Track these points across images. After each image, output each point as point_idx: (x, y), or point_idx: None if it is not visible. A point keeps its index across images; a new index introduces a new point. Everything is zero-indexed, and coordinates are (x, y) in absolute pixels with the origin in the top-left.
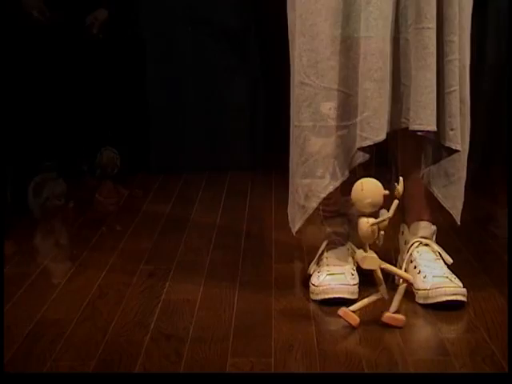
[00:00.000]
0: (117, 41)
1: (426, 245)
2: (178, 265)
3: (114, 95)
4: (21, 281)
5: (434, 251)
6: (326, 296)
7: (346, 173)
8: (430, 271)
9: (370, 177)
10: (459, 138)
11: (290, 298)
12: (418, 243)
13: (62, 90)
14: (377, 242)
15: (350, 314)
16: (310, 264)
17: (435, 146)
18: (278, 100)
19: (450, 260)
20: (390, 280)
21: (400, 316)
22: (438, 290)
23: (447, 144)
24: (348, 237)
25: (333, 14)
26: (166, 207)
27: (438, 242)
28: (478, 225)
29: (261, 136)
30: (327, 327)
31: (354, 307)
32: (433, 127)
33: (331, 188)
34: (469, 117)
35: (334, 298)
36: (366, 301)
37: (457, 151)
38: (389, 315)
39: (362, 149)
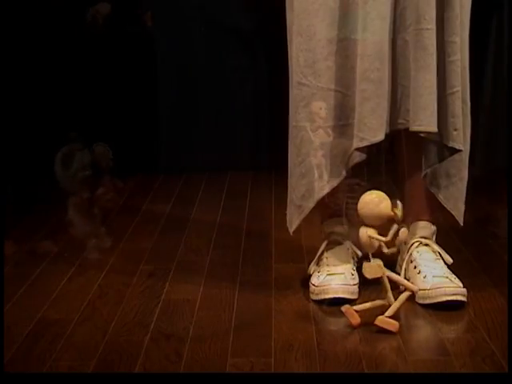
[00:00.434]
0: (125, 37)
1: (426, 245)
2: (178, 265)
3: (121, 93)
4: (21, 281)
5: (434, 251)
6: (326, 296)
7: (344, 173)
8: (430, 271)
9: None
10: (462, 138)
11: (290, 298)
12: (417, 243)
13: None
14: (385, 251)
15: (353, 312)
16: (309, 264)
17: (436, 146)
18: (281, 100)
19: (450, 260)
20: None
21: (393, 321)
22: (438, 290)
23: (451, 144)
24: (348, 237)
25: (330, 14)
26: (166, 207)
27: (438, 242)
28: (478, 225)
29: (261, 136)
30: (327, 327)
31: (358, 307)
32: (433, 128)
33: (328, 188)
34: (469, 117)
35: (334, 298)
36: (369, 305)
37: (459, 151)
38: (381, 318)
39: (360, 149)
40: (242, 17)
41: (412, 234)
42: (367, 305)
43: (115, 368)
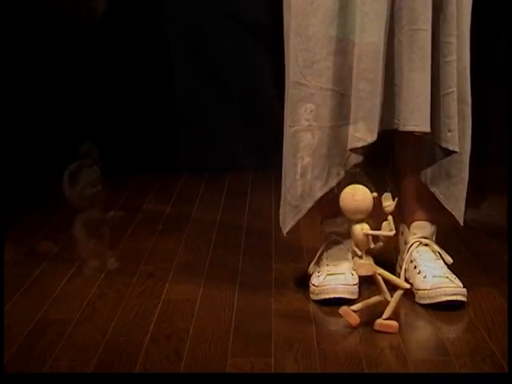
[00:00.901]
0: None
1: (426, 245)
2: (178, 265)
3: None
4: (21, 281)
5: (433, 251)
6: (326, 296)
7: (342, 173)
8: (430, 271)
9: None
10: (457, 139)
11: (290, 298)
12: (417, 243)
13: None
14: (371, 247)
15: (350, 313)
16: (309, 264)
17: (435, 146)
18: (281, 99)
19: (450, 260)
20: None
21: (392, 322)
22: (438, 290)
23: (444, 145)
24: (348, 237)
25: (329, 14)
26: (166, 207)
27: (438, 242)
28: (478, 225)
29: (261, 136)
30: (327, 327)
31: (355, 307)
32: (427, 128)
33: (326, 188)
34: (470, 118)
35: (334, 298)
36: (367, 302)
37: (454, 152)
38: (380, 322)
39: (356, 149)
40: (242, 17)
41: (412, 234)
42: (366, 302)
43: (115, 368)
